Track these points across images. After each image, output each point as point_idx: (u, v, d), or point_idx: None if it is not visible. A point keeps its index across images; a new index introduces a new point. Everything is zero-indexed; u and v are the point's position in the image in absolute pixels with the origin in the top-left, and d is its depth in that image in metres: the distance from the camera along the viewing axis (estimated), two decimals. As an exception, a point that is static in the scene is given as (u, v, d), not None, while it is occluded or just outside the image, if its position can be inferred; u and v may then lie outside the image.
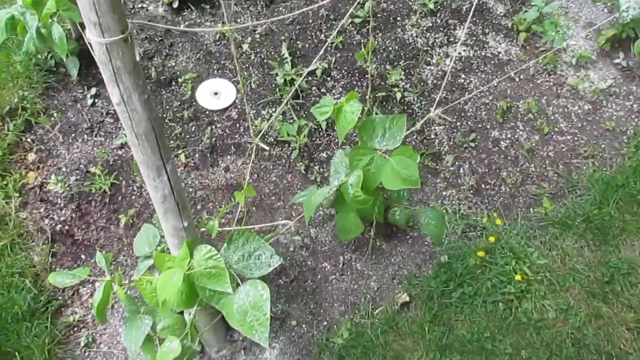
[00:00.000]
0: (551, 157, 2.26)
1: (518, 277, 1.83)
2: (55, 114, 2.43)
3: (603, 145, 2.27)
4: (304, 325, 1.89)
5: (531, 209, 2.10)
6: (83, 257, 2.08)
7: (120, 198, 2.22)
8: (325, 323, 1.90)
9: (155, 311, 1.59)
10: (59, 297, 1.97)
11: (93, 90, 2.50)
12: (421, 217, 1.83)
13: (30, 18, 2.19)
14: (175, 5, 2.76)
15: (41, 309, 1.91)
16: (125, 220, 2.13)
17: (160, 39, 2.68)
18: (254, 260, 1.54)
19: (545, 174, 2.21)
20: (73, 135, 2.40)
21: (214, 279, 1.44)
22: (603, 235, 2.00)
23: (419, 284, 1.92)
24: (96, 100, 2.49)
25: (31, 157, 2.36)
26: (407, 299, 1.88)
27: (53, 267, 2.04)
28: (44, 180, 2.27)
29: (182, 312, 1.61)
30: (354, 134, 2.19)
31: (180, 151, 2.31)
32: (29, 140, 2.38)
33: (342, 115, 1.62)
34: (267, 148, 2.27)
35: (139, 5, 2.82)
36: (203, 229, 1.63)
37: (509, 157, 2.26)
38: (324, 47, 2.55)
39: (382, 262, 2.01)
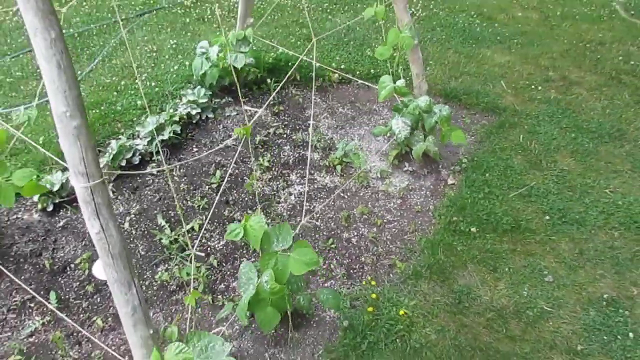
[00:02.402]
0: (390, 239, 3.01)
1: (402, 312, 2.42)
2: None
3: (419, 221, 3.12)
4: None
5: (391, 273, 2.77)
6: None
7: (45, 377, 2.32)
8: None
9: None
10: None
11: (-11, 295, 2.64)
12: (320, 296, 2.37)
13: None
14: (50, 208, 3.13)
15: None
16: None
17: (42, 238, 2.97)
18: (211, 351, 1.90)
19: (391, 249, 2.94)
20: (-24, 340, 2.47)
21: (183, 371, 1.76)
22: (443, 274, 2.74)
23: (334, 349, 2.38)
24: (-7, 304, 2.62)
25: None
26: (329, 366, 2.30)
27: None
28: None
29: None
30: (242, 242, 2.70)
31: (95, 317, 2.54)
32: None
33: (250, 229, 2.15)
34: (202, 255, 2.63)
35: (13, 217, 3.10)
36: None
37: (362, 247, 2.96)
38: (195, 209, 3.11)
39: (300, 346, 2.43)
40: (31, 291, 2.44)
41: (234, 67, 3.90)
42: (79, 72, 4.49)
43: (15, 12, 5.33)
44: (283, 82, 3.52)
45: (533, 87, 4.45)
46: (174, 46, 4.95)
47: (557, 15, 5.89)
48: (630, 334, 2.48)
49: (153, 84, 4.24)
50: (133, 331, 1.77)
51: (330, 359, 2.35)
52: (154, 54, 4.83)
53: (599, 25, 5.66)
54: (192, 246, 2.61)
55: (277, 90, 3.72)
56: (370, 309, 2.51)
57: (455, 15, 5.74)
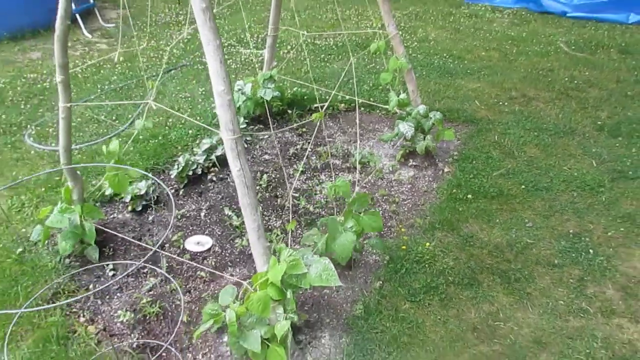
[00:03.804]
0: (407, 210, 3.93)
1: (427, 245, 3.32)
2: (88, 288, 3.28)
3: (427, 197, 4.06)
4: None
5: (413, 228, 3.68)
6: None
7: (170, 313, 3.11)
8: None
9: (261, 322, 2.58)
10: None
11: (111, 266, 3.44)
12: (370, 242, 3.24)
13: (72, 216, 3.23)
14: (139, 209, 3.98)
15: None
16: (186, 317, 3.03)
17: (138, 228, 3.81)
18: (306, 259, 2.75)
19: (410, 215, 3.85)
20: (108, 297, 3.25)
21: (295, 267, 2.60)
22: (451, 226, 3.65)
23: (381, 275, 3.24)
24: (115, 273, 3.42)
25: (82, 320, 3.11)
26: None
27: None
28: (104, 327, 3.04)
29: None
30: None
31: (198, 272, 3.37)
32: (74, 309, 3.15)
33: (340, 186, 3.05)
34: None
35: (111, 217, 3.94)
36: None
37: (386, 216, 3.86)
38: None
39: (355, 277, 3.28)
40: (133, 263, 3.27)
41: (264, 99, 4.90)
42: (130, 116, 5.43)
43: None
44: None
45: (501, 103, 5.55)
46: (203, 92, 5.96)
47: (514, 53, 7.14)
48: (591, 251, 3.42)
49: (197, 119, 5.20)
50: (257, 242, 2.62)
51: (379, 282, 3.20)
52: (189, 99, 5.82)
53: (547, 58, 6.90)
54: (289, 188, 3.48)
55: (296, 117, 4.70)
56: (403, 247, 3.40)
57: (431, 57, 6.94)
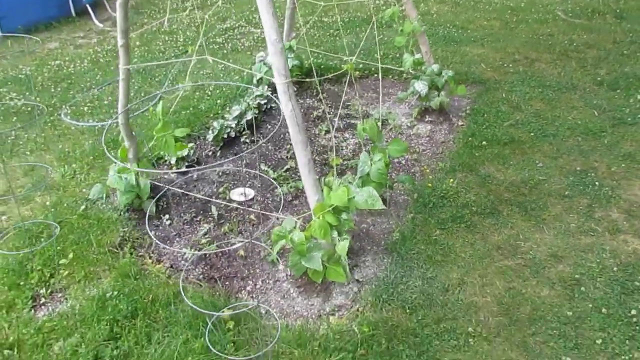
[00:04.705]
0: (428, 157, 4.32)
1: (450, 182, 3.72)
2: (148, 235, 3.66)
3: (445, 146, 4.44)
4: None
5: (435, 171, 4.06)
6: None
7: (228, 250, 3.50)
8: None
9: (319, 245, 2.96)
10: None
11: (167, 217, 3.82)
12: (400, 178, 3.63)
13: (129, 176, 3.60)
14: (183, 169, 4.36)
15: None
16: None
17: (185, 185, 4.18)
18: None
19: (431, 162, 4.23)
20: (168, 241, 3.64)
21: (348, 194, 2.98)
22: (470, 168, 4.04)
23: (412, 209, 3.63)
24: (171, 222, 3.80)
25: (149, 261, 3.49)
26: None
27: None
28: (171, 264, 3.43)
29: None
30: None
31: (247, 216, 3.75)
32: (141, 254, 3.53)
33: (367, 127, 3.43)
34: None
35: (158, 177, 4.31)
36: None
37: (409, 165, 4.25)
38: (284, 159, 4.36)
39: (389, 213, 3.66)
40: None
41: (286, 69, 5.25)
42: (157, 92, 5.79)
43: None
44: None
45: (505, 65, 5.93)
46: (222, 69, 6.32)
47: (514, 21, 7.51)
48: (596, 183, 3.82)
49: (221, 89, 5.56)
50: (308, 175, 2.99)
51: (411, 215, 3.60)
52: (210, 74, 6.18)
53: (546, 25, 7.27)
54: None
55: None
56: (429, 184, 3.80)
57: (436, 28, 7.30)
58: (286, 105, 2.88)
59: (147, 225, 3.36)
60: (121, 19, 3.30)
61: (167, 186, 3.84)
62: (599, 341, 2.67)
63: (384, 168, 3.29)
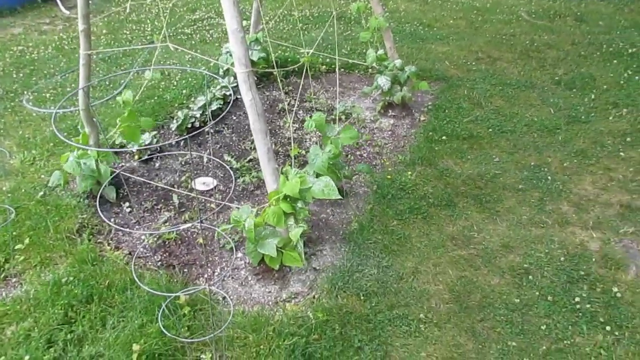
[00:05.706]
0: (390, 151, 4.40)
1: (409, 175, 3.80)
2: (109, 222, 3.65)
3: (407, 140, 4.54)
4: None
5: (396, 164, 4.15)
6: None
7: (186, 238, 3.51)
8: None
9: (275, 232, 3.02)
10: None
11: (127, 204, 3.81)
12: (358, 167, 3.70)
13: (88, 161, 3.58)
14: (144, 158, 4.34)
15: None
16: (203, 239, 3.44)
17: (147, 174, 4.17)
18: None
19: (392, 155, 4.32)
20: (127, 228, 3.63)
21: (302, 183, 3.04)
22: (429, 162, 4.14)
23: (370, 200, 3.70)
24: (131, 210, 3.79)
25: (108, 248, 3.48)
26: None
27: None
28: (129, 252, 3.42)
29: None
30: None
31: (208, 204, 3.77)
32: (99, 240, 3.52)
33: (315, 120, 3.49)
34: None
35: (120, 165, 4.29)
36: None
37: (371, 157, 4.32)
38: (248, 150, 4.39)
39: (348, 204, 3.73)
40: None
41: (251, 60, 5.27)
42: (122, 82, 5.74)
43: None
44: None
45: (468, 63, 6.06)
46: (190, 59, 6.29)
47: (479, 21, 7.67)
48: (549, 178, 3.96)
49: (187, 80, 5.54)
50: (267, 164, 3.04)
51: (369, 206, 3.67)
52: (177, 64, 6.15)
53: (510, 25, 7.45)
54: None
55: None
56: (389, 176, 3.88)
57: (403, 25, 7.40)
58: (246, 94, 2.91)
59: (98, 208, 3.34)
60: (82, 4, 3.28)
61: (118, 170, 3.82)
62: (543, 327, 2.79)
63: (328, 160, 3.33)
